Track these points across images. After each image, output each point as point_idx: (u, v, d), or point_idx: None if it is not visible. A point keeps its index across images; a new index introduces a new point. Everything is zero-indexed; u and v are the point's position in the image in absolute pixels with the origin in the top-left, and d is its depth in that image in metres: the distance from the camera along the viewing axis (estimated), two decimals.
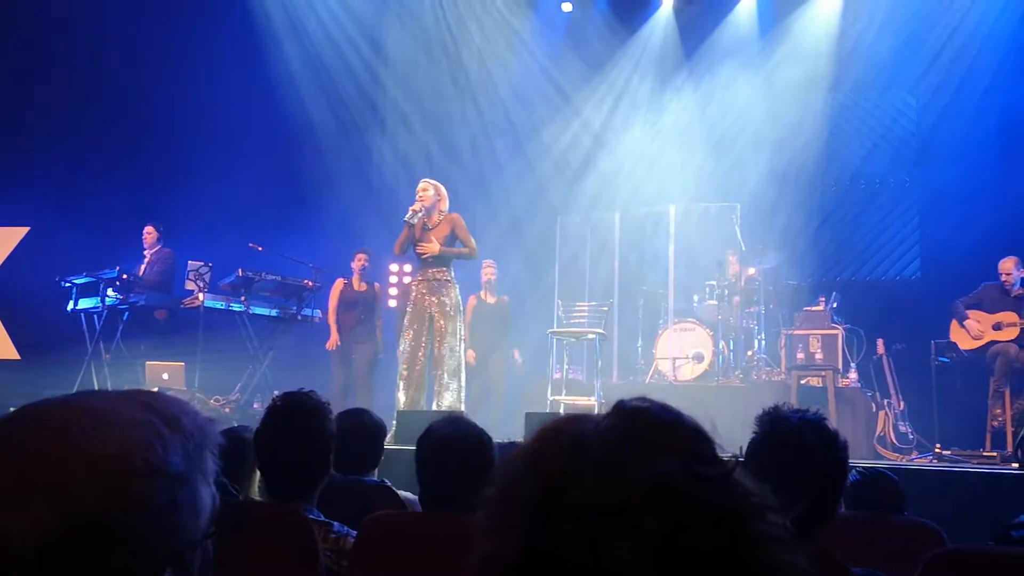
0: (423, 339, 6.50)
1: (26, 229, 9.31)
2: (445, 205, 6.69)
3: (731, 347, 8.51)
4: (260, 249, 8.21)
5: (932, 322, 7.70)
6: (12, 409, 0.80)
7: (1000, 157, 8.63)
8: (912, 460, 7.00)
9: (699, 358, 8.43)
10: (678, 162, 9.91)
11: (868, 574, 1.85)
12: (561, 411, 7.06)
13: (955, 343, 7.36)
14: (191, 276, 7.72)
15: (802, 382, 7.68)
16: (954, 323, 7.39)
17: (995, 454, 6.46)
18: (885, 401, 7.67)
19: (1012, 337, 7.08)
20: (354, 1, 10.29)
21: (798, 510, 1.73)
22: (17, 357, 9.03)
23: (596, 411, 0.78)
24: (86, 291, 8.08)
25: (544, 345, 8.09)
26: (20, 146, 9.11)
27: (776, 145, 9.46)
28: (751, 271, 8.54)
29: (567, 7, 10.65)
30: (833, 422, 2.53)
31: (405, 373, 6.49)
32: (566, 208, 10.28)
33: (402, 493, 2.97)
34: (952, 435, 7.07)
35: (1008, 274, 7.23)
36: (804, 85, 9.55)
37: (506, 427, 6.50)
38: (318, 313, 8.33)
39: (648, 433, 0.70)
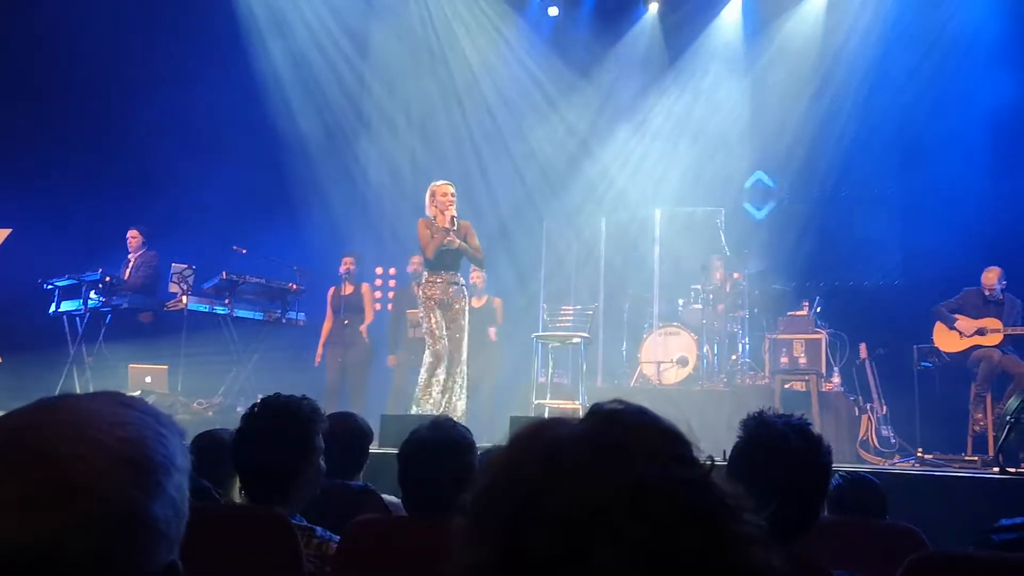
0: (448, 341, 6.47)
1: (8, 231, 9.22)
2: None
3: (715, 351, 8.54)
4: (244, 252, 8.19)
5: (914, 327, 7.74)
6: (2, 413, 0.79)
7: (983, 163, 8.69)
8: (894, 464, 7.04)
9: (684, 362, 8.45)
10: (663, 166, 9.95)
11: None
12: (546, 415, 7.05)
13: (938, 348, 7.40)
14: (174, 279, 7.68)
15: (786, 386, 7.71)
16: (937, 326, 7.42)
17: (977, 458, 6.52)
18: (868, 405, 7.71)
19: (995, 343, 7.13)
20: (339, 3, 10.27)
21: (781, 514, 1.73)
22: None
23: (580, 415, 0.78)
24: (68, 293, 8.04)
25: (529, 349, 8.09)
26: (1, 147, 9.03)
27: (761, 150, 9.49)
28: (736, 275, 8.58)
29: (553, 11, 10.67)
30: (816, 426, 2.54)
31: (443, 377, 6.42)
32: (552, 212, 10.28)
33: (387, 497, 2.96)
34: (934, 439, 7.12)
35: (991, 288, 7.26)
36: (789, 90, 9.59)
37: (491, 430, 6.51)
38: (303, 316, 8.31)
39: (624, 437, 0.70)
